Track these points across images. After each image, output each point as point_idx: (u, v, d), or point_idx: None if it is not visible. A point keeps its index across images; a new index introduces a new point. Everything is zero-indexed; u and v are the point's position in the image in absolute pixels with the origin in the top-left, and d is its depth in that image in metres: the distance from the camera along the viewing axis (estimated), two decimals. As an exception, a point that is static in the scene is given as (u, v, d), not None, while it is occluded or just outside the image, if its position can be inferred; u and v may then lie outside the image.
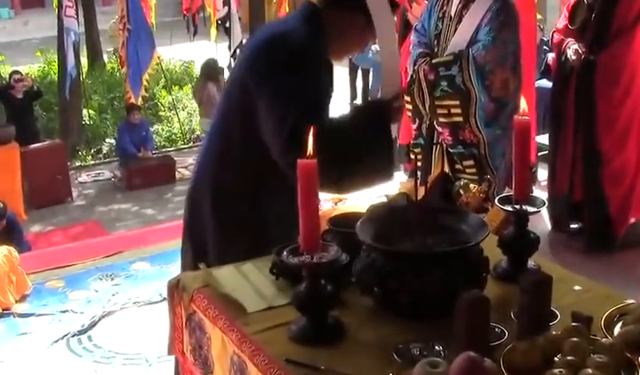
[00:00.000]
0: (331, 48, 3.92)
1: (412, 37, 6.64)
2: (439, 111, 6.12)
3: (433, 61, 6.16)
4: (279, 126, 3.59)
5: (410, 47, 6.65)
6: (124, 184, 14.38)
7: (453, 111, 6.07)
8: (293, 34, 3.83)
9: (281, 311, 3.10)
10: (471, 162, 6.17)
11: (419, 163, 6.30)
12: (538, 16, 11.76)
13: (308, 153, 2.73)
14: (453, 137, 6.15)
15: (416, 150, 6.53)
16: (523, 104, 3.17)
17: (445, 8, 6.27)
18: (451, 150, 6.22)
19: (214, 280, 3.42)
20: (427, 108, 6.23)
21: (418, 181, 3.40)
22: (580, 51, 7.08)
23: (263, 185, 3.94)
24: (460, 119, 6.06)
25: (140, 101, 15.41)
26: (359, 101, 18.59)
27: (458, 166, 6.22)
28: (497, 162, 6.14)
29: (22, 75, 15.27)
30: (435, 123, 6.22)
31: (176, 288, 3.58)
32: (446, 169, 6.14)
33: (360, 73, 18.56)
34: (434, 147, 6.37)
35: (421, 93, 6.24)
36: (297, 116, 3.51)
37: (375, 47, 11.56)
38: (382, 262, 2.94)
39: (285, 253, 2.90)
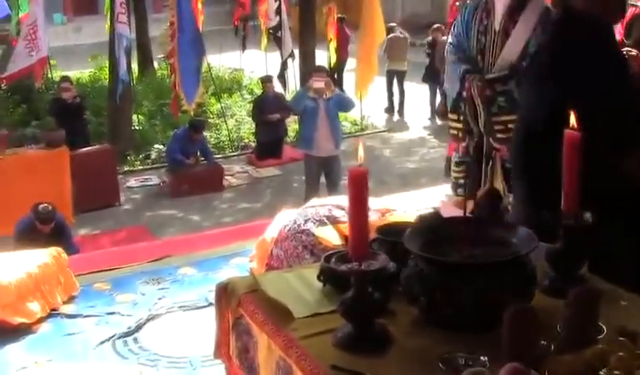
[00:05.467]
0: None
1: (448, 53, 6.55)
2: (496, 127, 6.06)
3: (487, 77, 6.07)
4: None
5: (449, 63, 6.57)
6: (171, 190, 14.47)
7: (510, 126, 5.99)
8: None
9: (328, 317, 3.13)
10: None
11: (461, 180, 6.26)
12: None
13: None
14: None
15: (458, 168, 6.47)
16: (571, 118, 3.17)
17: (485, 22, 6.18)
18: (509, 166, 6.14)
19: (261, 286, 3.46)
20: (481, 125, 6.16)
21: (463, 195, 3.42)
22: None
23: None
24: None
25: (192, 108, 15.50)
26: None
27: None
28: None
29: (69, 83, 15.35)
30: (491, 139, 6.15)
31: (224, 292, 3.62)
32: (503, 184, 6.09)
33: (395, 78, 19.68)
34: (484, 161, 6.30)
35: (473, 110, 6.19)
36: None
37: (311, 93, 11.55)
38: (428, 271, 2.96)
39: (333, 260, 2.92)
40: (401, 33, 20.09)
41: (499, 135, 6.05)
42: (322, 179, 12.04)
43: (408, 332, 3.01)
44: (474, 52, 6.23)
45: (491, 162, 6.21)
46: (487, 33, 6.14)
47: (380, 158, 16.37)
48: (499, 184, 6.08)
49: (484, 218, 3.50)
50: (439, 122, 18.15)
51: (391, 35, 18.96)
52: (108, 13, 16.82)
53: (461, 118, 6.26)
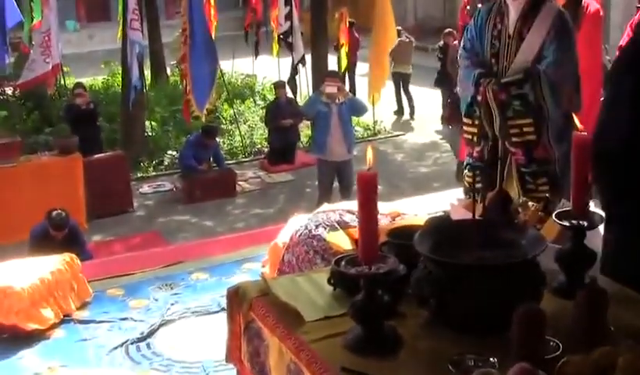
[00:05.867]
0: None
1: (461, 58, 6.55)
2: (512, 131, 6.05)
3: (502, 80, 6.05)
4: None
5: (462, 68, 6.57)
6: (184, 196, 14.49)
7: (525, 129, 6.00)
8: None
9: (338, 320, 3.14)
10: (544, 180, 6.09)
11: (477, 184, 6.25)
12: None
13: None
14: (527, 156, 6.08)
15: (469, 173, 6.45)
16: (575, 121, 3.20)
17: (499, 26, 6.18)
18: (524, 169, 6.14)
19: (272, 289, 3.48)
20: (496, 129, 6.15)
21: (477, 199, 3.43)
22: None
23: None
24: (534, 137, 5.99)
25: (204, 114, 15.53)
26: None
27: (530, 186, 6.13)
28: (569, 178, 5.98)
29: (83, 90, 15.41)
30: (506, 143, 6.14)
31: (235, 296, 3.64)
32: (517, 188, 6.09)
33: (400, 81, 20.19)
34: (499, 164, 6.28)
35: (489, 114, 6.18)
36: None
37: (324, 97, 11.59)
38: (438, 273, 2.97)
39: (343, 263, 2.94)
40: (407, 37, 20.36)
41: (514, 139, 6.05)
42: (336, 184, 12.06)
43: (418, 334, 3.02)
44: (488, 56, 6.23)
45: (506, 166, 6.21)
46: (501, 38, 6.14)
47: (393, 163, 16.38)
48: (514, 188, 6.09)
49: (493, 220, 3.51)
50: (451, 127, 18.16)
51: (397, 39, 19.11)
52: (121, 20, 16.87)
53: (476, 122, 6.25)
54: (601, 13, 8.06)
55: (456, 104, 13.96)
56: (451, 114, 14.28)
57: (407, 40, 20.21)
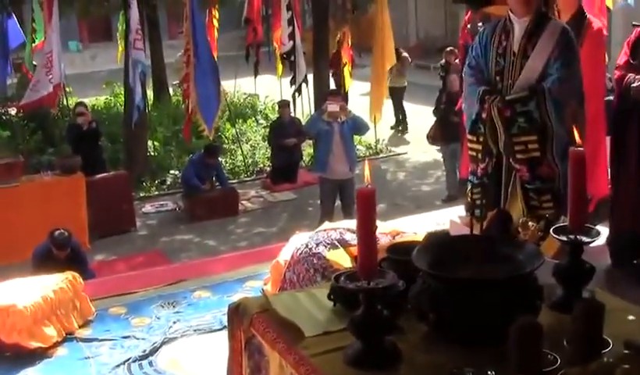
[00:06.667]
0: None
1: (466, 75, 6.57)
2: (517, 148, 6.05)
3: (507, 98, 6.06)
4: None
5: (467, 85, 6.58)
6: (187, 215, 14.52)
7: (530, 146, 6.01)
8: None
9: (338, 335, 3.16)
10: (548, 197, 6.10)
11: (478, 201, 6.25)
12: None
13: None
14: (531, 173, 6.09)
15: (475, 190, 6.44)
16: (575, 135, 3.21)
17: (504, 44, 6.20)
18: (528, 186, 6.15)
19: (273, 305, 3.50)
20: (501, 146, 6.16)
21: (479, 217, 3.45)
22: None
23: None
24: (538, 154, 6.00)
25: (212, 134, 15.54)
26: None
27: (534, 203, 6.14)
28: None
29: (85, 109, 15.37)
30: (511, 160, 6.15)
31: (236, 312, 3.66)
32: (522, 205, 6.10)
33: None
34: (503, 181, 6.28)
35: (493, 131, 6.19)
36: None
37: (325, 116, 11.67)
38: (436, 288, 2.99)
39: (343, 278, 2.96)
40: (402, 52, 20.72)
41: (519, 156, 6.06)
42: (338, 202, 12.08)
43: (417, 348, 3.04)
44: (493, 74, 6.25)
45: (510, 183, 6.22)
46: (505, 55, 6.15)
47: (394, 181, 16.41)
48: (518, 205, 6.10)
49: (490, 236, 3.53)
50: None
51: (395, 60, 19.29)
52: (122, 40, 16.88)
53: (480, 139, 6.27)
54: (605, 32, 8.07)
55: (441, 122, 14.07)
56: (435, 133, 14.38)
57: (403, 55, 20.50)
